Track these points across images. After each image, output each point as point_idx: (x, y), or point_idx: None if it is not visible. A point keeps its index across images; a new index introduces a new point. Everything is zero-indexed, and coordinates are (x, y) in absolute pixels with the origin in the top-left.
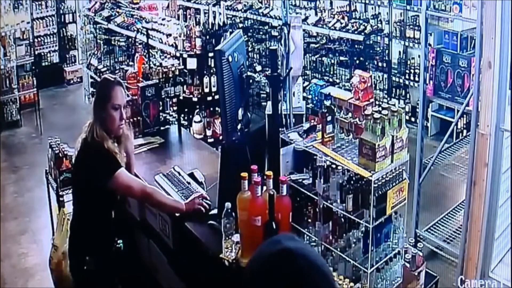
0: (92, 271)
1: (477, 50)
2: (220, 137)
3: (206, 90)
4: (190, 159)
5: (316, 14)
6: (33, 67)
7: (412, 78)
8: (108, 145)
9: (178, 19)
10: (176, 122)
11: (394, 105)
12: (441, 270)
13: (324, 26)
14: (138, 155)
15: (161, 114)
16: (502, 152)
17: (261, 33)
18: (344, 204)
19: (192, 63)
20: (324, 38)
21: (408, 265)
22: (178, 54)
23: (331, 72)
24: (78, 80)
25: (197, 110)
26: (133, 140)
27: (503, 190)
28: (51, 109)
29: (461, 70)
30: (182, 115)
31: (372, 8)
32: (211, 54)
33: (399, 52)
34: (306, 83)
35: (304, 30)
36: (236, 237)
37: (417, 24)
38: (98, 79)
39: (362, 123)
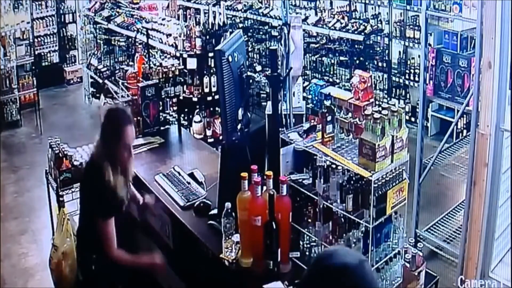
0: (99, 273)
1: (477, 50)
2: (220, 137)
3: (206, 90)
4: (190, 159)
5: (316, 14)
6: (33, 67)
7: (412, 78)
8: (109, 177)
9: (178, 19)
10: (176, 122)
11: (394, 105)
12: (441, 270)
13: (324, 26)
14: (138, 155)
15: (161, 114)
16: (502, 152)
17: (261, 33)
18: (344, 204)
19: (192, 63)
20: (324, 38)
21: (408, 265)
22: (178, 54)
23: (331, 72)
24: (78, 80)
25: (197, 110)
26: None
27: (503, 190)
28: (51, 109)
29: (461, 70)
30: (182, 115)
31: (372, 8)
32: (211, 54)
33: (399, 52)
34: (306, 83)
35: (304, 30)
36: (236, 237)
37: (417, 24)
38: (98, 79)
39: (362, 123)
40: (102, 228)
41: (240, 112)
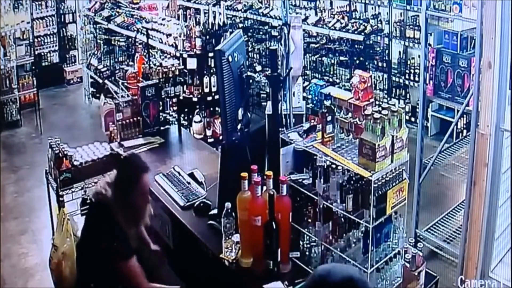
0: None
1: (477, 50)
2: (220, 137)
3: (206, 90)
4: (190, 159)
5: (316, 14)
6: (33, 67)
7: (412, 78)
8: (121, 220)
9: (178, 19)
10: (176, 122)
11: (394, 105)
12: (441, 270)
13: (324, 26)
14: None
15: (161, 114)
16: (502, 152)
17: (261, 33)
18: (344, 204)
19: (192, 63)
20: (324, 38)
21: (408, 265)
22: (178, 54)
23: (331, 72)
24: (78, 80)
25: (197, 110)
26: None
27: (503, 190)
28: (51, 109)
29: (461, 70)
30: (182, 115)
31: (372, 8)
32: (211, 54)
33: (399, 52)
34: (306, 83)
35: (304, 30)
36: (236, 237)
37: (417, 24)
38: (98, 79)
39: (362, 123)
40: (127, 268)
41: (240, 112)
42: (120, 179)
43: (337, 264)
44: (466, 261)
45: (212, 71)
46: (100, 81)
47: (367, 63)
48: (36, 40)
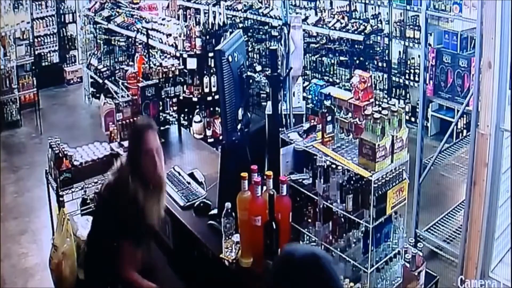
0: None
1: (477, 50)
2: (220, 137)
3: (206, 90)
4: (190, 159)
5: (316, 14)
6: (33, 67)
7: (412, 78)
8: (140, 198)
9: (178, 19)
10: (176, 122)
11: (394, 105)
12: (441, 270)
13: (324, 26)
14: None
15: (161, 114)
16: (502, 152)
17: (261, 33)
18: (344, 204)
19: (192, 63)
20: (324, 38)
21: (408, 265)
22: (178, 54)
23: (331, 72)
24: (78, 80)
25: (197, 110)
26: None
27: (503, 190)
28: (51, 109)
29: (461, 70)
30: (182, 115)
31: (372, 8)
32: (211, 54)
33: (399, 52)
34: (306, 83)
35: (304, 30)
36: (236, 237)
37: (417, 24)
38: (98, 79)
39: (362, 123)
40: (125, 250)
41: (240, 112)
42: (129, 141)
43: (301, 245)
44: (466, 261)
45: (212, 71)
46: (100, 81)
47: (367, 63)
48: (36, 40)
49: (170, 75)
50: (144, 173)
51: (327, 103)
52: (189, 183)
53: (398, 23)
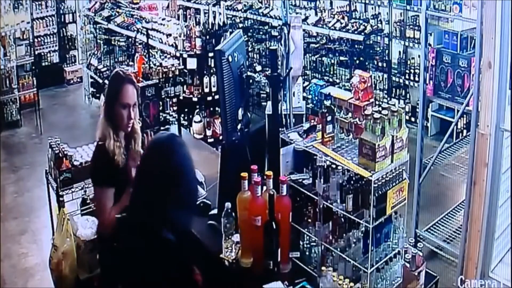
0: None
1: (477, 50)
2: (220, 137)
3: (206, 90)
4: None
5: (316, 14)
6: (33, 67)
7: (412, 78)
8: (109, 145)
9: (178, 19)
10: (176, 122)
11: (394, 105)
12: (441, 270)
13: (324, 26)
14: None
15: (161, 114)
16: (502, 152)
17: (261, 33)
18: (344, 204)
19: (192, 63)
20: (324, 38)
21: (408, 265)
22: (178, 54)
23: (331, 72)
24: (78, 80)
25: (197, 110)
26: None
27: (503, 190)
28: (51, 109)
29: (461, 70)
30: (182, 115)
31: (372, 8)
32: (211, 54)
33: (399, 52)
34: (306, 83)
35: (304, 30)
36: (236, 237)
37: (417, 24)
38: (98, 79)
39: (362, 123)
40: (96, 197)
41: (240, 112)
42: (108, 92)
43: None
44: (466, 261)
45: (212, 71)
46: (100, 81)
47: (367, 63)
48: (36, 40)
49: (170, 75)
50: (119, 125)
51: (327, 103)
52: None
53: (398, 23)
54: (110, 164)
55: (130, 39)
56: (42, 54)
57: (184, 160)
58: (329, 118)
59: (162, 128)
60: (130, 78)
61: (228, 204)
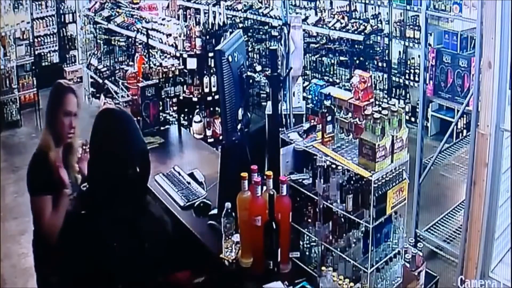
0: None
1: (477, 50)
2: (220, 137)
3: (206, 90)
4: (190, 159)
5: (316, 14)
6: (33, 67)
7: (412, 78)
8: (51, 155)
9: (178, 19)
10: (176, 122)
11: (394, 105)
12: (441, 270)
13: (324, 26)
14: None
15: (161, 114)
16: (502, 152)
17: (261, 33)
18: (344, 204)
19: (192, 63)
20: (324, 38)
21: (408, 265)
22: (178, 54)
23: (331, 72)
24: (78, 80)
25: (197, 110)
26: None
27: (503, 190)
28: None
29: (461, 70)
30: (182, 115)
31: (372, 8)
32: (211, 54)
33: (399, 52)
34: (306, 83)
35: (304, 30)
36: (236, 237)
37: (417, 24)
38: (98, 79)
39: (362, 123)
40: (37, 206)
41: (240, 112)
42: (49, 102)
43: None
44: (466, 261)
45: (212, 71)
46: (100, 81)
47: (367, 63)
48: (36, 40)
49: (170, 75)
50: (60, 133)
51: (327, 103)
52: (189, 183)
53: (398, 23)
54: (48, 171)
55: (130, 39)
56: (42, 54)
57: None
58: (329, 118)
59: (162, 128)
60: (72, 88)
61: (228, 204)
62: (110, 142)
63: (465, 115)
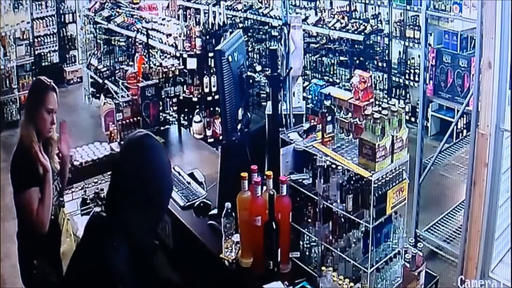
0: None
1: (477, 50)
2: (220, 137)
3: (206, 90)
4: (190, 159)
5: (316, 14)
6: (33, 67)
7: (412, 78)
8: (34, 148)
9: (178, 19)
10: (176, 122)
11: (394, 105)
12: (441, 270)
13: (324, 26)
14: None
15: (161, 114)
16: (502, 152)
17: (261, 33)
18: (344, 204)
19: (192, 63)
20: (324, 38)
21: (408, 265)
22: (178, 54)
23: (331, 72)
24: (78, 80)
25: (197, 110)
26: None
27: (503, 190)
28: None
29: (461, 70)
30: (182, 115)
31: (372, 8)
32: (211, 54)
33: (399, 52)
34: (306, 83)
35: (304, 30)
36: (236, 237)
37: (417, 24)
38: (98, 79)
39: (362, 123)
40: (19, 200)
41: (240, 112)
42: (31, 98)
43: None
44: (466, 261)
45: (212, 71)
46: (100, 81)
47: (367, 63)
48: (36, 40)
49: (170, 75)
50: (41, 129)
51: (327, 103)
52: (189, 183)
53: (398, 23)
54: (34, 163)
55: (130, 39)
56: (42, 54)
57: (154, 162)
58: (329, 118)
59: (162, 128)
60: (53, 86)
61: (228, 204)
62: (141, 177)
63: (465, 115)
